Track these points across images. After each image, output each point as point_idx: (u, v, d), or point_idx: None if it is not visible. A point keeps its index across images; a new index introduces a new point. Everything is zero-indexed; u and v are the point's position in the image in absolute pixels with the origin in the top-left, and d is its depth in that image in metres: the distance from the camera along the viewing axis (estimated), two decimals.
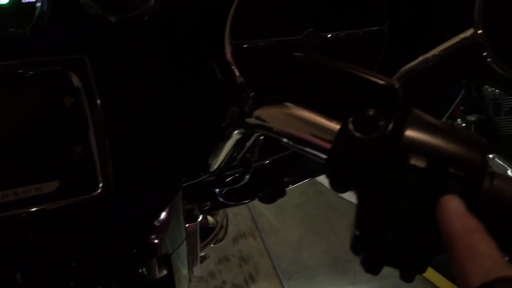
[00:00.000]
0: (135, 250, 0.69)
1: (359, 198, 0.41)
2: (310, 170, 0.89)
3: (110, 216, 0.62)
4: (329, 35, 0.57)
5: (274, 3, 0.56)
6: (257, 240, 2.29)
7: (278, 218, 2.38)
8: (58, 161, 0.54)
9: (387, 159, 0.39)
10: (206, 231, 0.92)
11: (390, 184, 0.38)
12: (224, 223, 0.96)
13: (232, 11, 0.55)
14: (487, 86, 2.19)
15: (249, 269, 2.16)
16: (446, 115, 0.72)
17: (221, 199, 0.80)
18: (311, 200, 2.41)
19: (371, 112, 0.41)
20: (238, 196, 0.81)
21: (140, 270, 0.76)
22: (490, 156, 2.20)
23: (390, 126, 0.40)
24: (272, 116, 0.47)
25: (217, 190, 0.78)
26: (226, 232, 0.98)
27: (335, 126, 0.43)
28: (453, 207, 0.35)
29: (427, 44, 0.54)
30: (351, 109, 0.42)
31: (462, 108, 2.32)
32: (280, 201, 2.60)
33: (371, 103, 0.42)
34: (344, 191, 0.42)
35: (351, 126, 0.41)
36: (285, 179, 0.88)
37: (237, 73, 0.56)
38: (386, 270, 0.42)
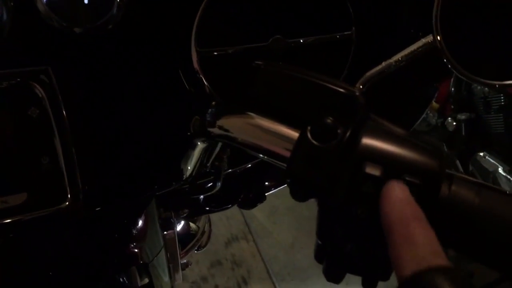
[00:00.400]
0: (111, 259, 0.69)
1: (319, 207, 0.41)
2: None
3: (82, 227, 0.62)
4: (295, 42, 0.57)
5: (240, 10, 0.55)
6: (250, 243, 2.29)
7: (271, 221, 2.38)
8: (25, 173, 0.54)
9: (344, 168, 0.38)
10: (188, 238, 0.92)
11: (346, 193, 0.38)
12: (207, 229, 0.95)
13: (197, 18, 0.54)
14: (476, 85, 2.19)
15: (242, 273, 2.15)
16: (423, 115, 0.72)
17: (201, 206, 0.80)
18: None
19: (329, 120, 0.41)
20: (217, 203, 0.81)
21: (119, 280, 0.75)
22: (481, 154, 2.20)
23: (348, 134, 0.40)
24: (233, 125, 0.46)
25: (196, 197, 0.78)
26: (209, 238, 0.97)
27: (294, 134, 0.42)
28: (395, 194, 0.34)
29: (393, 49, 0.54)
30: (311, 117, 0.42)
31: (452, 107, 2.33)
32: (272, 203, 2.59)
33: (331, 110, 0.42)
34: (303, 200, 0.42)
35: (309, 135, 0.41)
36: (266, 183, 0.88)
37: (204, 82, 0.56)
38: None
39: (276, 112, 0.45)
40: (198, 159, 0.56)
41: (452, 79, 2.28)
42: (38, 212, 0.55)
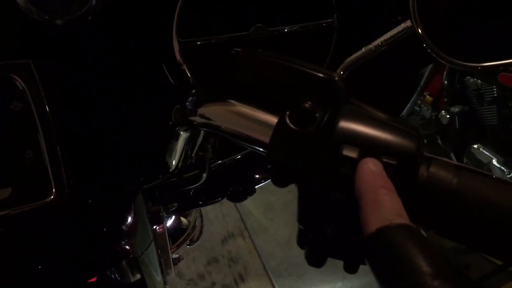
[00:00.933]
0: (100, 254, 0.68)
1: (299, 191, 0.41)
2: None
3: (68, 222, 0.62)
4: (277, 30, 0.56)
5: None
6: (246, 240, 2.29)
7: (267, 217, 2.38)
8: (8, 167, 0.54)
9: (322, 151, 0.38)
10: (179, 232, 0.92)
11: (325, 176, 0.38)
12: (198, 223, 0.95)
13: (178, 8, 0.54)
14: (469, 77, 2.20)
15: (238, 269, 2.15)
16: (408, 104, 0.72)
17: (190, 199, 0.80)
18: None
19: (307, 105, 0.41)
20: (206, 196, 0.81)
21: (111, 276, 0.75)
22: (475, 146, 2.21)
23: (326, 118, 0.40)
24: (214, 113, 0.46)
25: (184, 190, 0.78)
26: (201, 232, 0.97)
27: (274, 120, 0.42)
28: (369, 167, 0.36)
29: (376, 36, 0.54)
30: (290, 102, 0.42)
31: (445, 100, 2.33)
32: (268, 199, 2.58)
33: (309, 95, 0.42)
34: (284, 186, 0.42)
35: (287, 119, 0.41)
36: (256, 176, 0.88)
37: (187, 73, 0.56)
38: None
39: (256, 98, 0.45)
40: (183, 150, 0.56)
41: (445, 72, 2.28)
42: (23, 206, 0.55)
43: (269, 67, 0.45)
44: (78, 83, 0.56)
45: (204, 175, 0.63)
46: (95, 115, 0.57)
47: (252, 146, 0.44)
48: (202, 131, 0.55)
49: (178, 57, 0.55)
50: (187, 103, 0.49)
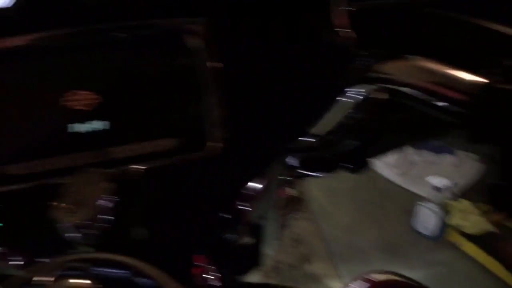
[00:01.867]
0: (225, 215, 0.70)
1: (502, 149, 0.40)
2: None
3: (213, 177, 0.63)
4: None
5: None
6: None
7: (331, 201, 2.37)
8: (173, 119, 0.56)
9: None
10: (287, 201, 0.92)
11: None
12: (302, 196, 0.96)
13: None
14: None
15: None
16: None
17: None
18: (362, 185, 2.39)
19: None
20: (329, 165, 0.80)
21: (229, 236, 0.77)
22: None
23: None
24: (401, 70, 0.46)
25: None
26: (302, 204, 0.98)
27: (473, 78, 0.42)
28: None
29: None
30: (484, 62, 0.41)
31: None
32: (331, 184, 2.51)
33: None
34: (485, 143, 0.41)
35: (498, 78, 0.40)
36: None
37: (353, 34, 0.55)
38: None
39: (445, 58, 0.45)
40: (340, 115, 0.56)
41: None
42: (185, 156, 0.57)
43: (463, 27, 0.44)
44: (248, 49, 0.57)
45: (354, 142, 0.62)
46: (259, 80, 0.58)
47: (445, 104, 0.44)
48: (371, 93, 0.55)
49: (343, 20, 0.55)
50: (364, 61, 0.49)
